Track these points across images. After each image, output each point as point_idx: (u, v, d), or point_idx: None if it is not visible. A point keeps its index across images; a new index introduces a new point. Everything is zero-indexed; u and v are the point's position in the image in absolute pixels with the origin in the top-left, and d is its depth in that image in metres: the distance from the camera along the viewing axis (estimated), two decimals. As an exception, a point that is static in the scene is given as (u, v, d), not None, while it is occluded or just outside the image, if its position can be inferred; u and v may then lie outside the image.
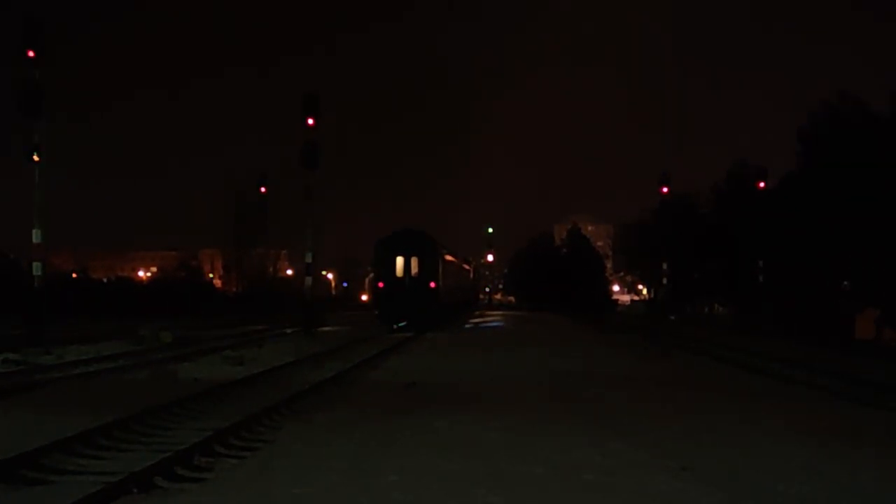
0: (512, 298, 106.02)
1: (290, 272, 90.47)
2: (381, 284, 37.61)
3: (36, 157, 25.87)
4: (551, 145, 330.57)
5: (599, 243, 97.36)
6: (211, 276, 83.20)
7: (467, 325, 42.31)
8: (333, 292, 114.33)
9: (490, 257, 66.44)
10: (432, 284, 36.98)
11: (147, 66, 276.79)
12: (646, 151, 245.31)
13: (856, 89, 60.27)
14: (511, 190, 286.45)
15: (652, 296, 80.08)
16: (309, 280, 35.59)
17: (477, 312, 59.13)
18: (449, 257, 43.82)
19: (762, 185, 50.80)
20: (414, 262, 36.82)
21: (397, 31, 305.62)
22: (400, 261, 36.85)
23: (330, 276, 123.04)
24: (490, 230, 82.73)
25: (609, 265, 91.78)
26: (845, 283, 42.72)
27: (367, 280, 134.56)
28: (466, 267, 59.77)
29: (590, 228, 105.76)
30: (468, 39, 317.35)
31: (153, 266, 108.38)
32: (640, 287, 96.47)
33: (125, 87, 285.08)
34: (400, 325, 36.82)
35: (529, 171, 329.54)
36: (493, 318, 49.46)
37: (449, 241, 50.49)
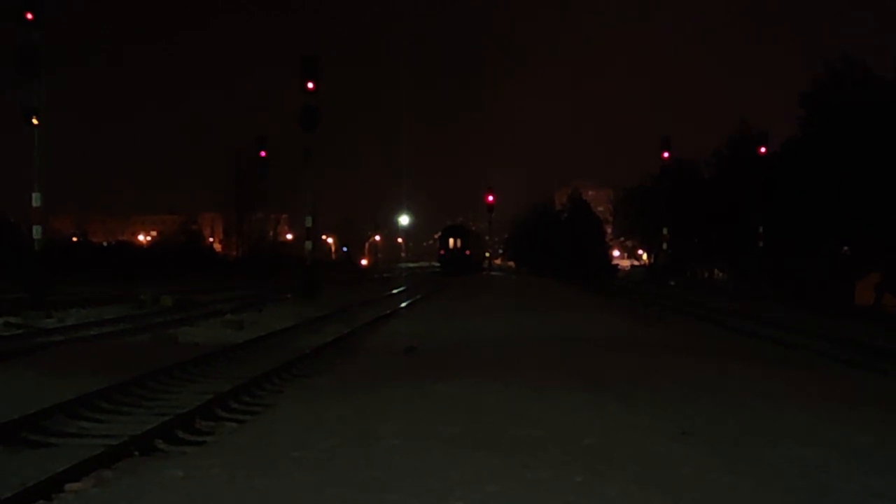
0: (512, 263, 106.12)
1: (290, 236, 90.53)
2: (441, 252, 73.97)
3: (35, 121, 25.69)
4: (552, 111, 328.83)
5: (600, 208, 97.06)
6: (211, 240, 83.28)
7: (482, 273, 68.08)
8: (333, 256, 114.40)
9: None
10: (467, 252, 71.05)
11: (140, 22, 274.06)
12: (647, 116, 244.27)
13: (859, 52, 59.83)
14: (512, 155, 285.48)
15: (652, 261, 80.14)
16: (309, 244, 35.66)
17: (485, 269, 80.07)
18: (474, 234, 78.85)
19: (763, 150, 50.59)
20: (459, 241, 71.86)
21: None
22: (451, 240, 72.29)
23: (330, 240, 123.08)
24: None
25: (609, 230, 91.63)
26: (845, 248, 42.76)
27: (366, 245, 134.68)
28: (485, 226, 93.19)
29: (590, 193, 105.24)
30: (463, 23, 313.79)
31: (153, 230, 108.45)
32: (641, 252, 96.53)
33: (116, 47, 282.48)
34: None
35: (530, 135, 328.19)
36: (496, 273, 71.56)
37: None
